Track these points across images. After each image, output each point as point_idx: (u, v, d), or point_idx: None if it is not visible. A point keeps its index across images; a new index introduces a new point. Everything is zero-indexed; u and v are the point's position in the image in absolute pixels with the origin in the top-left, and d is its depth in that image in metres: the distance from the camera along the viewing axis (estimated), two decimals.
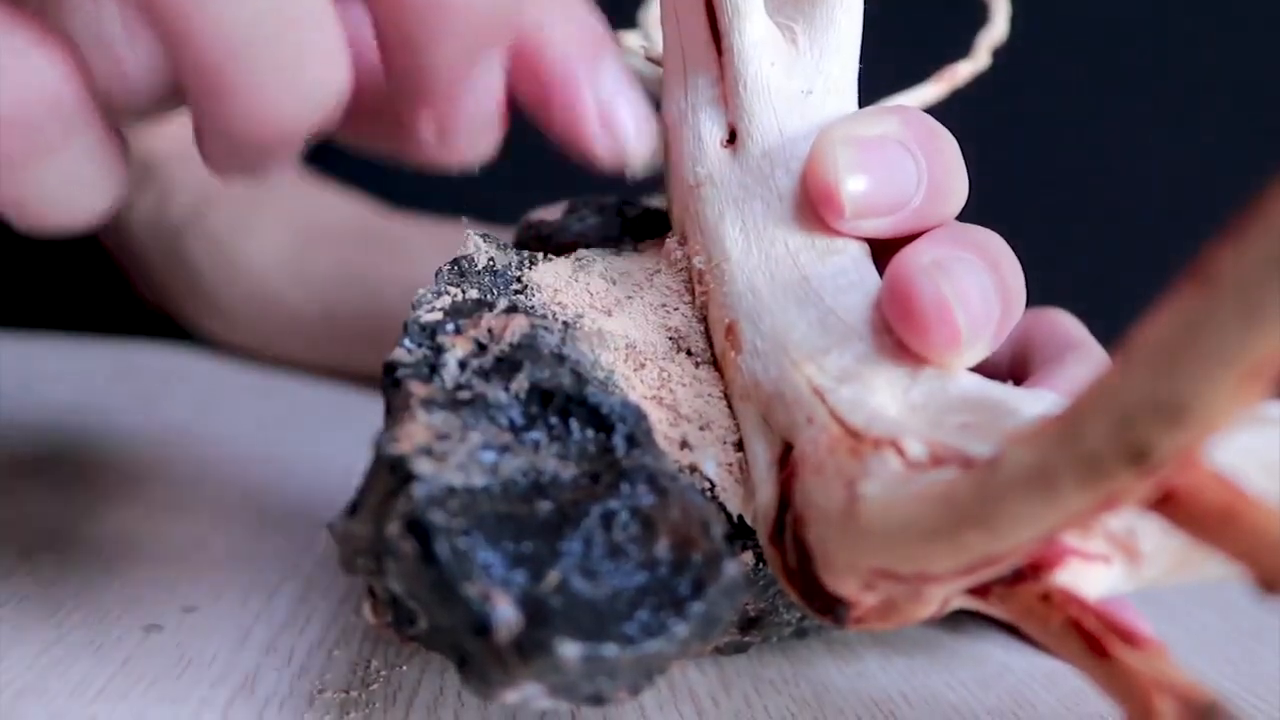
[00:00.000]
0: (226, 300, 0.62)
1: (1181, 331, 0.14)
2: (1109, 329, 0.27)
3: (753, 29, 0.24)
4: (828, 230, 0.23)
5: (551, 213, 0.29)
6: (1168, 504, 0.16)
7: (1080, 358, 0.28)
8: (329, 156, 0.71)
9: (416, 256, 0.55)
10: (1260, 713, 0.27)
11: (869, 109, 0.24)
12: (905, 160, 0.23)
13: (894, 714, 0.25)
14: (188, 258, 0.63)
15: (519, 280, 0.25)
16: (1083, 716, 0.26)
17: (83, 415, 0.48)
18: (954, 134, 0.24)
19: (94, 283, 0.73)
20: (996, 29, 0.30)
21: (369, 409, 0.52)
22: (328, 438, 0.48)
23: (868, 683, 0.27)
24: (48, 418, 0.46)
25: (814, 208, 0.23)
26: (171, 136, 0.66)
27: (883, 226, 0.23)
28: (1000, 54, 0.30)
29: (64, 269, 0.79)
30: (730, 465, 0.23)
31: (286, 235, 0.61)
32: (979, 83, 0.30)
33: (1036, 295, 0.25)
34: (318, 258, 0.59)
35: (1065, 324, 0.29)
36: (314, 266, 0.59)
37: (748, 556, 0.23)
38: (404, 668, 0.25)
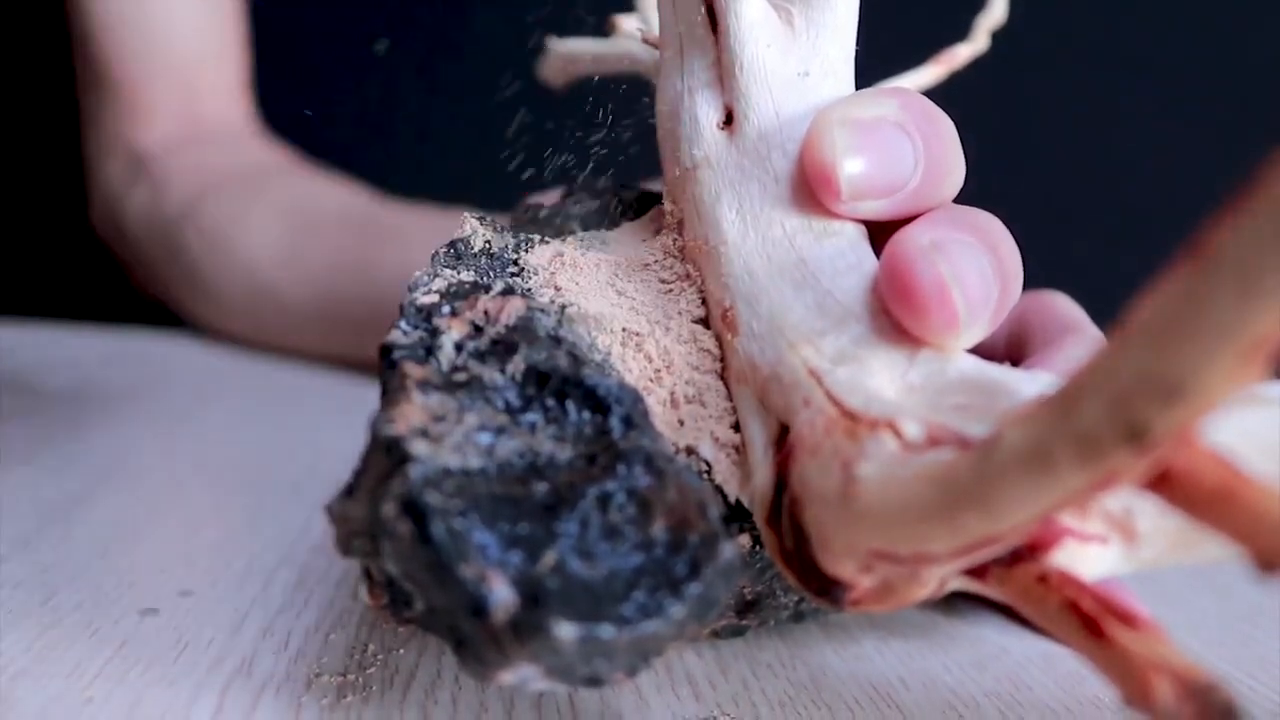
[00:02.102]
0: (223, 290, 0.62)
1: (1179, 308, 0.13)
2: (1105, 311, 0.27)
3: (749, 10, 0.24)
4: (825, 212, 0.23)
5: (549, 197, 0.29)
6: (1164, 484, 0.16)
7: (1077, 339, 0.28)
8: (324, 145, 0.71)
9: (413, 244, 0.55)
10: (1257, 694, 0.27)
11: (866, 91, 0.24)
12: (903, 143, 0.22)
13: (891, 697, 0.25)
14: (183, 249, 0.62)
15: (515, 263, 0.25)
16: (1080, 699, 0.26)
17: (79, 402, 0.48)
18: (951, 117, 0.24)
19: (90, 271, 0.74)
20: (995, 11, 0.30)
21: (365, 395, 0.52)
22: (324, 424, 0.48)
23: (865, 666, 0.27)
24: (44, 404, 0.46)
25: (811, 190, 0.23)
26: (164, 129, 0.66)
27: (880, 209, 0.23)
28: (999, 37, 0.30)
29: (61, 258, 0.79)
30: (727, 447, 0.23)
31: (282, 225, 0.61)
32: (977, 65, 0.30)
33: (1033, 278, 0.25)
34: (313, 246, 0.59)
35: (1062, 306, 0.29)
36: (310, 255, 0.59)
37: (744, 539, 0.23)
38: (401, 651, 0.25)
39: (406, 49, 0.79)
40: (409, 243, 0.56)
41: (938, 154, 0.23)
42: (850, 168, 0.22)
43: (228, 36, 0.69)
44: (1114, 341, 0.14)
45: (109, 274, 0.70)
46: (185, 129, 0.67)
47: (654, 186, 0.28)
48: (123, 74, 0.66)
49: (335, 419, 0.48)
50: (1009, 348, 0.29)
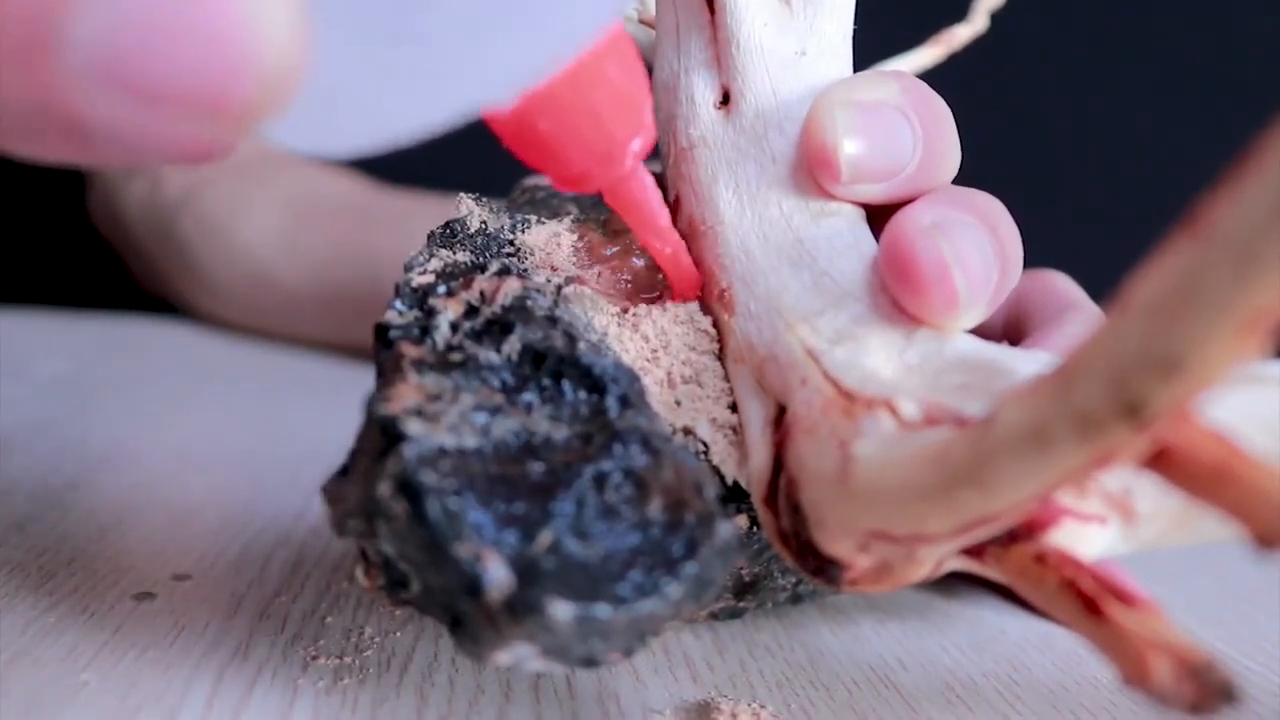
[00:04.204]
0: (221, 279, 0.62)
1: (1176, 284, 0.13)
2: (1102, 291, 0.27)
3: None
4: (822, 193, 0.23)
5: (546, 178, 0.29)
6: (1163, 461, 0.16)
7: (1076, 318, 0.27)
8: None
9: (412, 231, 0.55)
10: (1255, 674, 0.27)
11: (866, 73, 0.24)
12: (902, 127, 0.22)
13: (889, 678, 0.25)
14: (181, 238, 0.62)
15: (511, 243, 0.25)
16: (1077, 679, 0.26)
17: (76, 387, 0.48)
18: (945, 98, 0.24)
19: (88, 258, 0.73)
20: None
21: (363, 381, 0.52)
22: (321, 409, 0.48)
23: (862, 647, 0.27)
24: (41, 390, 0.46)
25: (810, 171, 0.23)
26: None
27: (877, 192, 0.23)
28: (996, 18, 0.29)
29: (58, 245, 0.78)
30: (724, 428, 0.23)
31: (280, 213, 0.61)
32: (973, 48, 0.29)
33: (1030, 258, 0.25)
34: (312, 234, 0.59)
35: (1061, 285, 0.29)
36: (308, 243, 0.59)
37: (742, 520, 0.23)
38: (398, 634, 0.25)
39: None
40: (408, 230, 0.55)
41: (935, 139, 0.23)
42: (851, 150, 0.22)
43: None
44: (1111, 318, 0.14)
45: (106, 261, 0.70)
46: None
47: (651, 167, 0.28)
48: None
49: (332, 404, 0.48)
50: (1008, 328, 0.29)
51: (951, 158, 0.23)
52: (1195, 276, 0.13)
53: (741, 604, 0.26)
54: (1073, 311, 0.27)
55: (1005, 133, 0.63)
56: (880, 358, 0.21)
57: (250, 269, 0.60)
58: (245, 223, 0.61)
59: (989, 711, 0.24)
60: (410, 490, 0.19)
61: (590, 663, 0.19)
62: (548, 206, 0.26)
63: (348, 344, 0.58)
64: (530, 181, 0.29)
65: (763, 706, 0.23)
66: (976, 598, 0.31)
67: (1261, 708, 0.25)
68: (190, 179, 0.63)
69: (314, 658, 0.24)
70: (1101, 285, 0.28)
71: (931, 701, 0.24)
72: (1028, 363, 0.20)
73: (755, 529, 0.24)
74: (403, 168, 0.65)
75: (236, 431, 0.43)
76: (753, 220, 0.23)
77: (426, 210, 0.57)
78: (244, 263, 0.60)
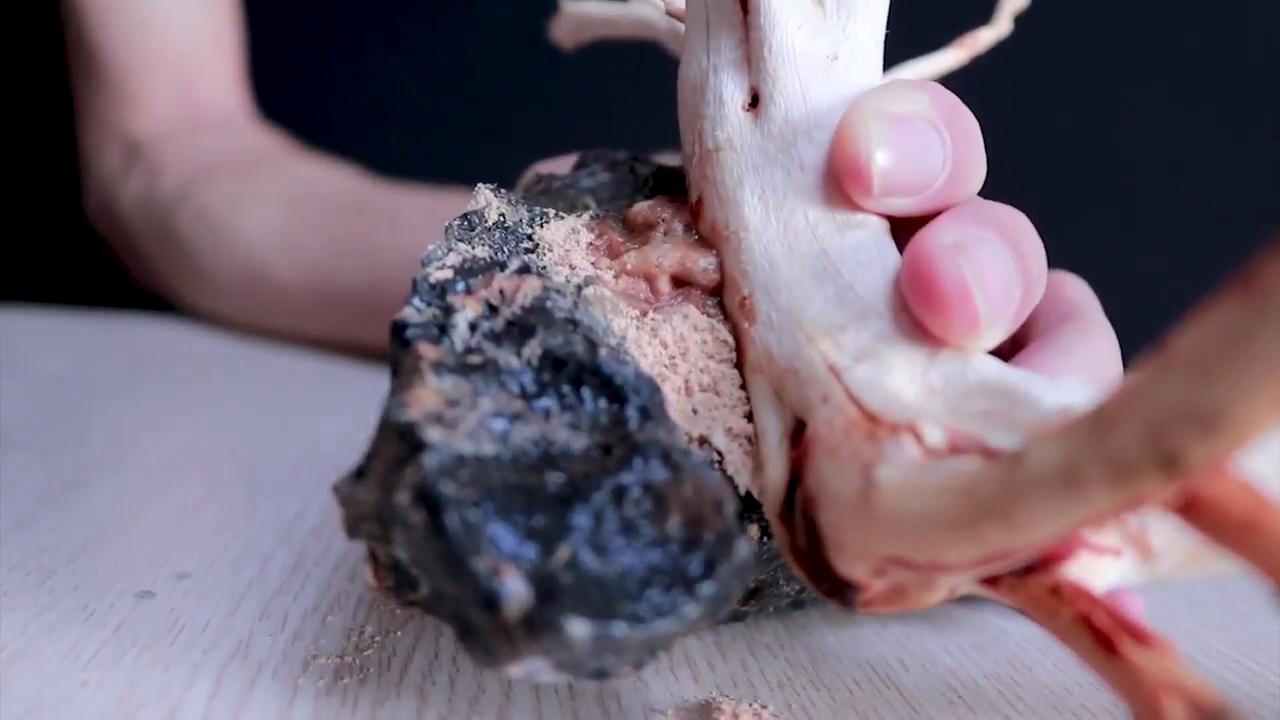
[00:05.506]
0: (218, 275, 0.61)
1: (1223, 340, 0.13)
2: (1120, 296, 0.27)
3: None
4: (849, 204, 0.22)
5: (560, 166, 0.28)
6: (1191, 509, 0.16)
7: (1079, 328, 0.27)
8: (320, 130, 0.70)
9: (410, 226, 0.55)
10: (1257, 676, 0.27)
11: (897, 82, 0.23)
12: (934, 140, 0.22)
13: (890, 678, 0.25)
14: (178, 235, 0.62)
15: (530, 238, 0.24)
16: (1078, 680, 0.26)
17: (75, 386, 0.47)
18: (966, 103, 0.23)
19: (87, 257, 0.73)
20: None
21: (362, 379, 0.52)
22: (320, 407, 0.47)
23: (864, 647, 0.27)
24: (41, 389, 0.45)
25: (839, 181, 0.22)
26: (159, 116, 0.65)
27: (907, 205, 0.22)
28: (1019, 23, 0.29)
29: (58, 243, 0.78)
30: (740, 438, 0.23)
31: (278, 208, 0.60)
32: (995, 54, 0.29)
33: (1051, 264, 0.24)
34: (310, 230, 0.59)
35: (1068, 291, 0.29)
36: (306, 239, 0.59)
37: (753, 529, 0.23)
38: (399, 633, 0.25)
39: (402, 32, 0.77)
40: (406, 226, 0.55)
41: (964, 152, 0.22)
42: (883, 162, 0.22)
43: (222, 23, 0.68)
44: (1153, 368, 0.14)
45: (106, 259, 0.70)
46: (180, 116, 0.66)
47: (670, 160, 0.28)
48: (117, 62, 0.65)
49: (331, 402, 0.48)
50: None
51: (978, 171, 0.23)
52: (1244, 335, 0.13)
53: (744, 609, 0.26)
54: (1072, 322, 0.27)
55: (1028, 139, 0.63)
56: (903, 378, 0.20)
57: (247, 264, 0.60)
58: (242, 218, 0.60)
59: (990, 712, 0.24)
60: (430, 501, 0.19)
61: (601, 676, 0.19)
62: (564, 198, 0.26)
63: (347, 341, 0.57)
64: (545, 168, 0.28)
65: (764, 706, 0.23)
66: (978, 600, 0.31)
67: (1262, 708, 0.25)
68: (187, 175, 0.62)
69: (314, 657, 0.23)
70: (1118, 290, 0.27)
71: (933, 702, 0.24)
72: (1052, 393, 0.20)
73: (765, 539, 0.23)
74: (401, 164, 0.65)
75: (236, 429, 0.43)
76: (777, 228, 0.23)
77: (423, 206, 0.57)
78: (242, 259, 0.60)
